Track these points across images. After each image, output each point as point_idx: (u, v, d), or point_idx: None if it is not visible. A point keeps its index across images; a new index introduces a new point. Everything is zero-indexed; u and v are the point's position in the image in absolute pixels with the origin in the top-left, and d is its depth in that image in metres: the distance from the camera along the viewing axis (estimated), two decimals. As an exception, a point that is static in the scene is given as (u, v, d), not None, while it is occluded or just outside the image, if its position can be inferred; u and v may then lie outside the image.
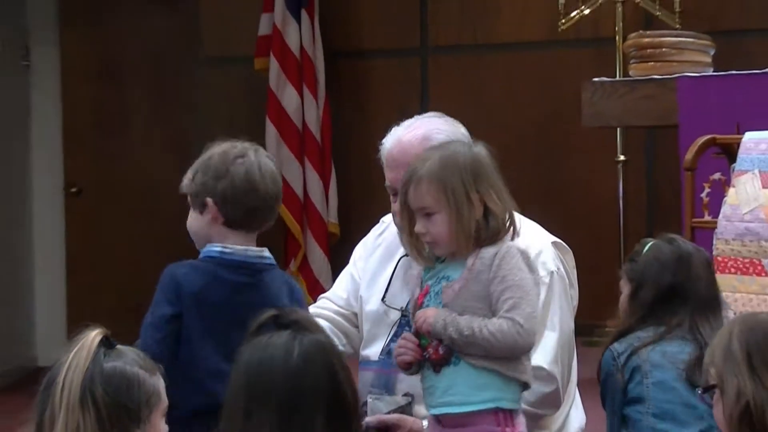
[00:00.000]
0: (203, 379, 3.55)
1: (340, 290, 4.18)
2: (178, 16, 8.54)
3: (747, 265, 4.86)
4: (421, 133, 3.89)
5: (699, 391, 3.08)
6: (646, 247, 3.64)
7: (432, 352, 3.33)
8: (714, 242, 4.93)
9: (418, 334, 3.36)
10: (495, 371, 3.30)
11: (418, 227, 3.36)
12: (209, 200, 3.55)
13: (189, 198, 3.67)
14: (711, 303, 3.54)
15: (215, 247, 3.61)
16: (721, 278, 4.87)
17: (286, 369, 2.72)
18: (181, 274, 3.60)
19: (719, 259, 4.91)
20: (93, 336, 2.78)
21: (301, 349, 2.75)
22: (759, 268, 4.82)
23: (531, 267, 3.40)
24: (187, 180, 3.68)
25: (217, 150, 3.72)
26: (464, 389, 3.30)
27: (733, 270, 4.89)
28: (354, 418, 2.84)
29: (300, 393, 2.73)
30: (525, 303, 3.30)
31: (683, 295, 3.50)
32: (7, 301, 8.46)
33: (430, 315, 3.30)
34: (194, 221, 3.65)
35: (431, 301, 3.39)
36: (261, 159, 3.73)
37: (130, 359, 2.83)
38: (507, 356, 3.32)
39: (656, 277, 3.54)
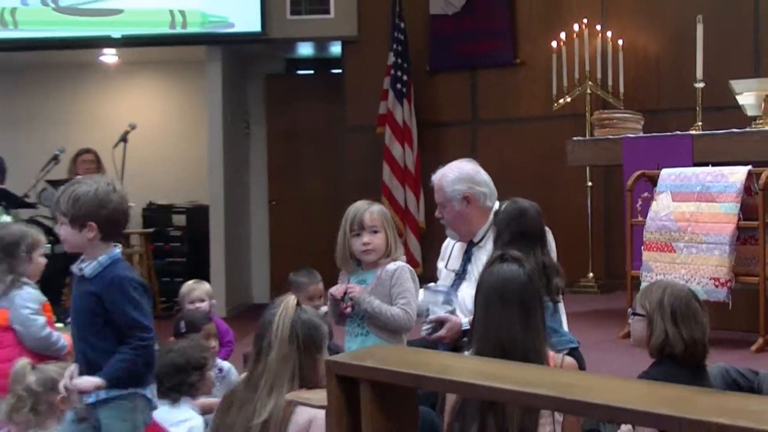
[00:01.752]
0: None
1: (440, 267, 4.11)
2: (333, 102, 8.57)
3: (663, 246, 4.84)
4: (443, 171, 3.91)
5: (630, 311, 3.13)
6: (502, 207, 3.59)
7: (344, 307, 3.39)
8: (644, 233, 4.92)
9: (345, 295, 3.40)
10: (387, 341, 3.34)
11: (365, 239, 3.37)
12: (92, 224, 2.96)
13: (63, 215, 2.99)
14: (541, 236, 3.49)
15: (117, 250, 3.03)
16: (648, 254, 4.90)
17: (522, 282, 2.74)
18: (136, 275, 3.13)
19: (647, 242, 4.89)
20: (291, 299, 2.86)
21: (524, 272, 2.77)
22: (670, 248, 4.80)
23: (414, 279, 3.43)
24: (66, 204, 2.99)
25: (94, 184, 3.05)
26: None
27: (655, 249, 4.87)
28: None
29: (529, 296, 2.74)
30: (412, 301, 3.37)
31: (525, 235, 3.43)
32: (236, 266, 8.60)
33: (360, 291, 3.36)
34: (72, 236, 2.99)
35: None
36: (122, 190, 3.14)
37: (314, 314, 2.89)
38: (397, 331, 3.36)
39: (507, 226, 3.49)
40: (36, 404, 3.21)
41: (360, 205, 3.45)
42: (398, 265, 3.39)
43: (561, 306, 3.58)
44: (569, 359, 2.91)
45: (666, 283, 3.18)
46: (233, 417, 2.77)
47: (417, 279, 3.46)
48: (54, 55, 8.72)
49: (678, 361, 2.85)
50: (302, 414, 2.69)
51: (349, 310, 3.38)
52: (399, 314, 3.32)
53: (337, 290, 3.42)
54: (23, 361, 3.35)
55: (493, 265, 2.81)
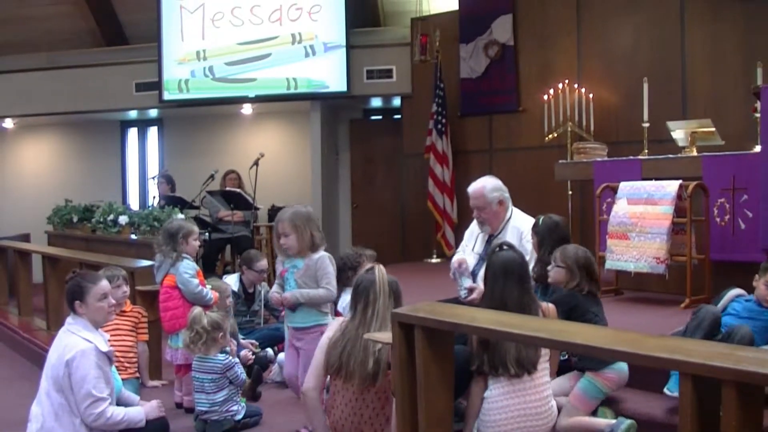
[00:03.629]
0: None
1: (465, 246, 4.03)
2: (395, 137, 8.56)
3: (621, 236, 4.75)
4: (481, 184, 3.81)
5: (549, 268, 3.15)
6: (540, 220, 3.51)
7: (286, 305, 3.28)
8: (608, 226, 4.84)
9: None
10: (316, 309, 3.27)
11: (282, 241, 3.26)
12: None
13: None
14: (568, 239, 3.42)
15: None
16: (610, 241, 4.79)
17: (518, 263, 2.74)
18: None
19: (610, 233, 4.79)
20: (381, 267, 2.84)
21: (518, 255, 2.77)
22: (626, 236, 4.72)
23: (333, 263, 3.30)
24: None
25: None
26: (306, 318, 3.26)
27: (615, 237, 4.78)
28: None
29: (524, 272, 2.73)
30: (332, 281, 3.25)
31: (560, 240, 3.36)
32: (329, 249, 8.61)
33: (288, 297, 3.24)
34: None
35: (289, 275, 3.28)
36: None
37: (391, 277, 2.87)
38: (324, 303, 3.28)
39: (548, 235, 3.44)
40: (207, 339, 3.30)
41: (280, 215, 3.35)
42: (321, 254, 3.30)
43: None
44: (551, 305, 2.93)
45: (561, 247, 3.19)
46: (346, 344, 2.75)
47: (333, 263, 3.38)
48: (211, 109, 8.95)
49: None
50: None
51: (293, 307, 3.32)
52: (323, 293, 3.25)
53: (277, 301, 3.36)
54: (200, 309, 3.42)
55: (497, 252, 2.82)
